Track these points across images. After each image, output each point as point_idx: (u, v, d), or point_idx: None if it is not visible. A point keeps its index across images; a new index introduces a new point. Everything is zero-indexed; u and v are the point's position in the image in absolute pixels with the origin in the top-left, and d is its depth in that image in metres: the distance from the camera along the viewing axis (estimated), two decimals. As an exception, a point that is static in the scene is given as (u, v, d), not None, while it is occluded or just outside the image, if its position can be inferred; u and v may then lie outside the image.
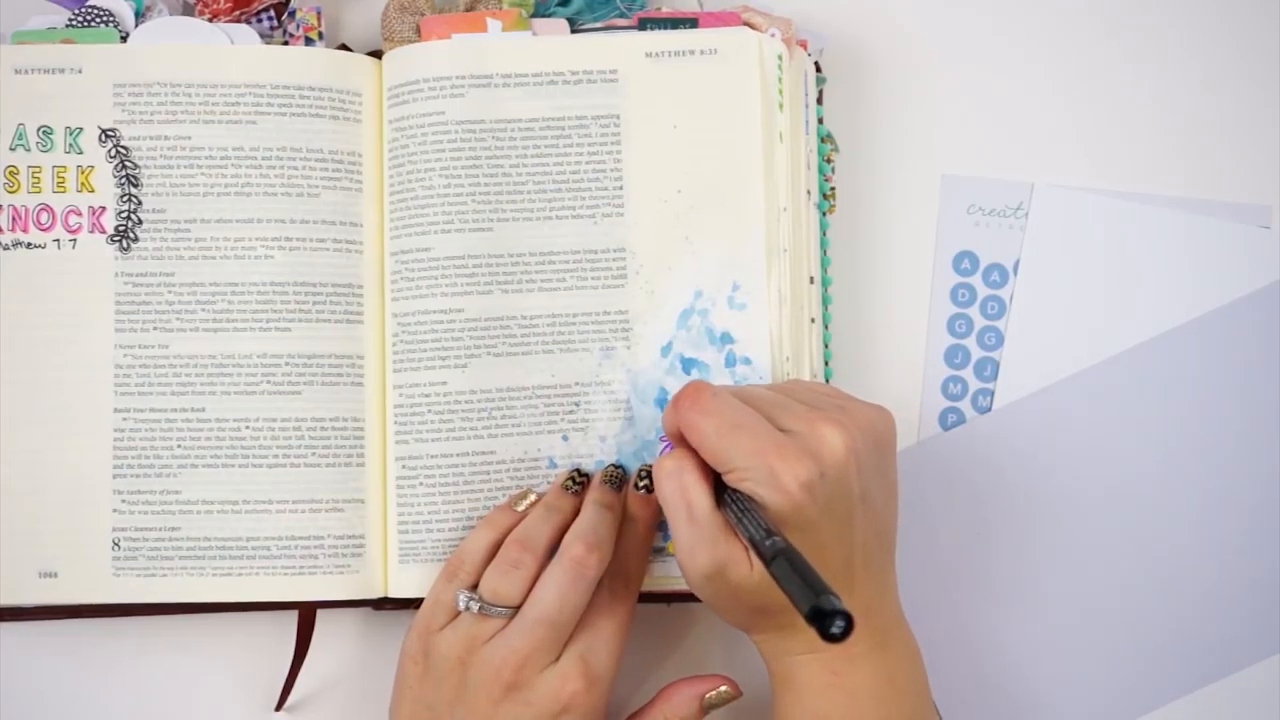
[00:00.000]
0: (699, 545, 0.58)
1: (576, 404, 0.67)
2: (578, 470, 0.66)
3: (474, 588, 0.63)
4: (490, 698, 0.60)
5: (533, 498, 0.65)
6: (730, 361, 0.66)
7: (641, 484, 0.64)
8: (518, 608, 0.61)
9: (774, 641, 0.61)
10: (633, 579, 0.64)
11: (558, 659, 0.61)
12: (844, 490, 0.57)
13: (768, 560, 0.52)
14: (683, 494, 0.58)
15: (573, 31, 0.69)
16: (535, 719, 0.60)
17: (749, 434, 0.57)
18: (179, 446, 0.66)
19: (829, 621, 0.48)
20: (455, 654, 0.61)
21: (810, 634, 0.52)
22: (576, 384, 0.67)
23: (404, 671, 0.63)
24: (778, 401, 0.59)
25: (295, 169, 0.67)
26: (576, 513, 0.64)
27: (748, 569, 0.57)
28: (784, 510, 0.56)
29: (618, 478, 0.65)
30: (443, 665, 0.62)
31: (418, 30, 0.69)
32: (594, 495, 0.64)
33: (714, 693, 0.64)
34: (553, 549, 0.63)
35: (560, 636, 0.61)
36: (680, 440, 0.60)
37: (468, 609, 0.62)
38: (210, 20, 0.68)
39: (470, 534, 0.64)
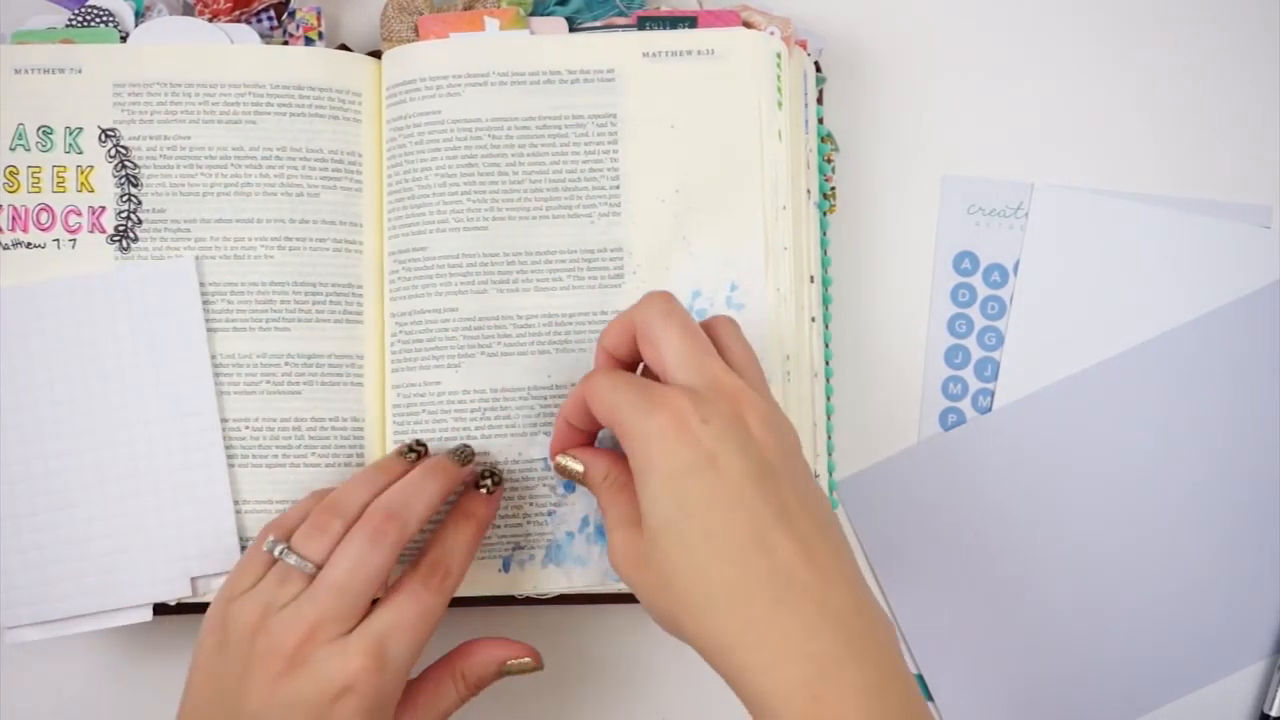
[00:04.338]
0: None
1: (574, 404, 0.67)
2: (418, 440, 0.64)
3: None
4: (272, 672, 0.56)
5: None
6: (728, 361, 0.66)
7: (484, 483, 0.63)
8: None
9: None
10: (452, 575, 0.60)
11: (348, 634, 0.57)
12: None
13: None
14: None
15: (571, 30, 0.69)
16: (316, 697, 0.56)
17: None
18: (178, 446, 0.66)
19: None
20: (250, 621, 0.57)
21: None
22: (573, 385, 0.66)
23: (200, 644, 0.59)
24: None
25: (295, 169, 0.67)
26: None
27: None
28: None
29: (465, 457, 0.63)
30: (236, 635, 0.57)
31: (416, 30, 0.69)
32: (420, 466, 0.62)
33: (516, 661, 0.62)
34: None
35: (350, 607, 0.57)
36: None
37: (277, 555, 0.58)
38: (210, 20, 0.68)
39: (294, 505, 0.62)
